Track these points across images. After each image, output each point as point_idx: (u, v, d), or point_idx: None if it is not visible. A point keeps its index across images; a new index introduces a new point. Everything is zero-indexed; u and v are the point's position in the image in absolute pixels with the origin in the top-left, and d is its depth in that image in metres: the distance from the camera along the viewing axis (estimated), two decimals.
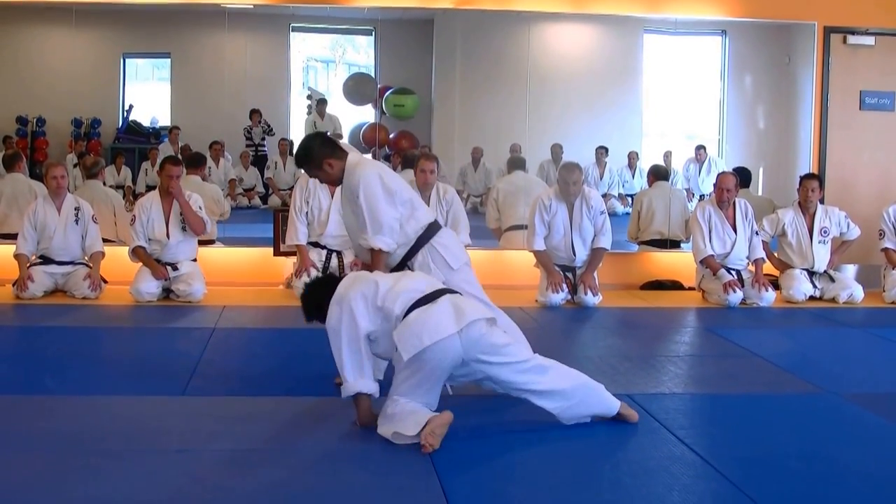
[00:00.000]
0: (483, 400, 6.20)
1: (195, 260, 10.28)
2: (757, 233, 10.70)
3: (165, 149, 12.83)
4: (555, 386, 5.75)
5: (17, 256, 10.05)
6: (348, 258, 10.42)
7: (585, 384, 5.88)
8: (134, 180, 13.12)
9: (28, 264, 10.04)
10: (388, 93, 13.22)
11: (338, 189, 10.23)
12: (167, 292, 10.09)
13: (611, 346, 8.70)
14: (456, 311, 5.54)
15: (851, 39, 12.68)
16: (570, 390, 5.78)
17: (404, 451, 5.39)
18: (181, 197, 9.99)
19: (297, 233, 10.27)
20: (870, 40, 12.70)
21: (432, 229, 6.85)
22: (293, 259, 10.63)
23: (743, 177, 11.77)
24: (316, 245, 10.37)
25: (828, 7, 12.57)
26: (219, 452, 5.36)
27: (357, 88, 13.45)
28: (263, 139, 13.47)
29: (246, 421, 5.90)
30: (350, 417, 5.77)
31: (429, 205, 10.25)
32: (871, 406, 6.57)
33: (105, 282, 10.14)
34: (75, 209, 10.18)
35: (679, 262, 11.89)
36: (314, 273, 10.21)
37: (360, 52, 14.13)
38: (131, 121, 13.20)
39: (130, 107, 13.22)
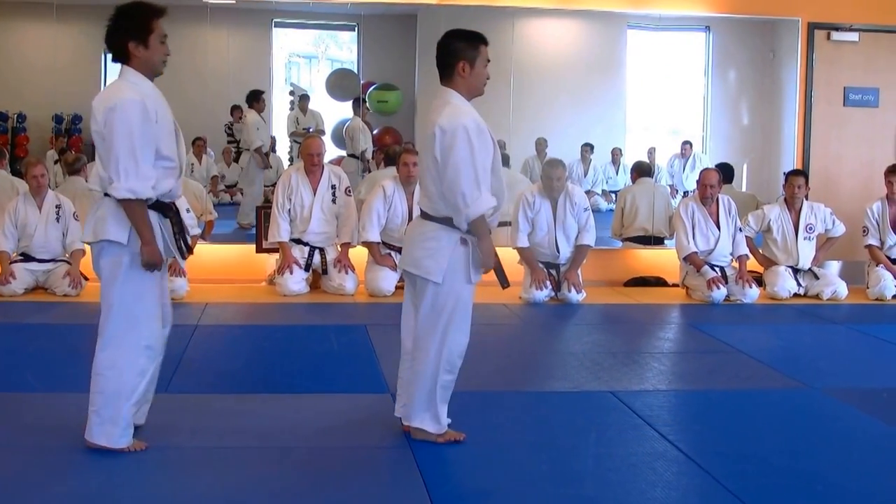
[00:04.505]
0: (465, 397, 6.18)
1: None
2: (740, 229, 10.70)
3: None
4: None
5: None
6: (331, 255, 10.40)
7: None
8: None
9: (9, 261, 10.00)
10: (371, 88, 13.19)
11: (320, 186, 10.29)
12: None
13: (594, 342, 8.68)
14: None
15: (835, 35, 12.69)
16: None
17: (388, 448, 5.40)
18: None
19: (280, 230, 10.26)
20: (854, 36, 12.71)
21: None
22: (276, 256, 10.62)
23: (726, 173, 11.78)
24: (298, 242, 10.35)
25: (812, 3, 12.58)
26: (201, 450, 5.35)
27: (340, 84, 13.42)
28: None
29: (228, 418, 5.88)
30: (334, 414, 5.75)
31: (412, 201, 10.26)
32: (855, 402, 6.59)
33: (86, 279, 10.09)
34: (56, 207, 10.14)
35: (663, 259, 11.88)
36: (297, 270, 10.20)
37: (343, 48, 14.09)
38: None
39: None
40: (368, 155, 12.91)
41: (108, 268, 5.24)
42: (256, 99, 12.71)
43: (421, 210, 5.58)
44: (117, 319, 5.23)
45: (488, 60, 5.48)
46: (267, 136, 12.92)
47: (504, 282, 5.66)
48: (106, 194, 5.20)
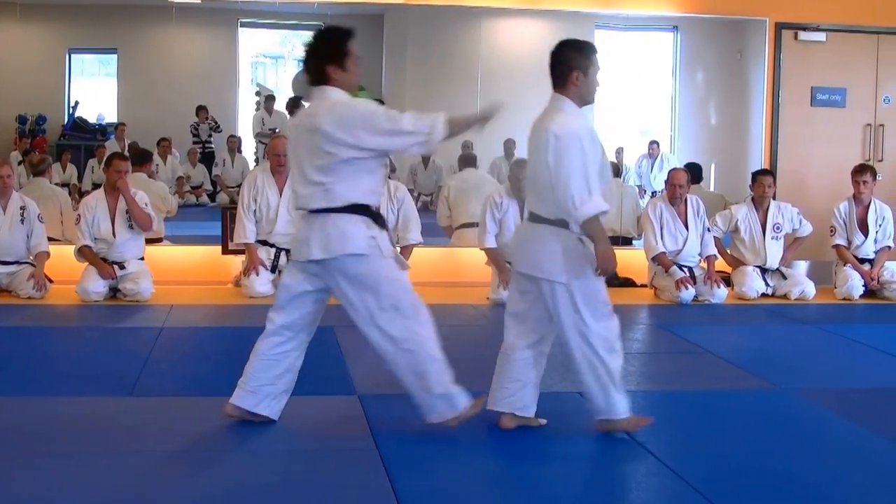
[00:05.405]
0: None
1: (143, 259, 10.15)
2: (709, 229, 10.70)
3: (112, 146, 12.69)
4: None
5: None
6: None
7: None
8: (80, 178, 12.98)
9: None
10: None
11: (286, 186, 10.22)
12: (114, 291, 9.96)
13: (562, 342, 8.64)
14: None
15: (803, 35, 12.73)
16: None
17: (355, 449, 5.38)
18: (127, 193, 9.86)
19: (246, 231, 10.18)
20: (821, 36, 12.76)
21: None
22: (242, 257, 10.54)
23: (694, 173, 11.77)
24: (265, 243, 10.28)
25: (779, 3, 12.62)
26: (168, 453, 5.30)
27: (306, 84, 13.35)
28: (210, 136, 13.36)
29: (195, 421, 5.83)
30: (302, 416, 5.69)
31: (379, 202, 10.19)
32: (825, 402, 6.58)
33: (50, 281, 10.01)
34: (21, 208, 10.04)
35: (631, 259, 11.83)
36: (263, 272, 10.13)
37: None
38: (77, 117, 13.05)
39: (76, 103, 13.07)
40: None
41: (369, 277, 5.42)
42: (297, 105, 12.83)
43: (531, 213, 5.73)
44: (405, 310, 5.45)
45: (598, 69, 5.75)
46: None
47: (623, 281, 6.04)
48: (328, 210, 5.48)
